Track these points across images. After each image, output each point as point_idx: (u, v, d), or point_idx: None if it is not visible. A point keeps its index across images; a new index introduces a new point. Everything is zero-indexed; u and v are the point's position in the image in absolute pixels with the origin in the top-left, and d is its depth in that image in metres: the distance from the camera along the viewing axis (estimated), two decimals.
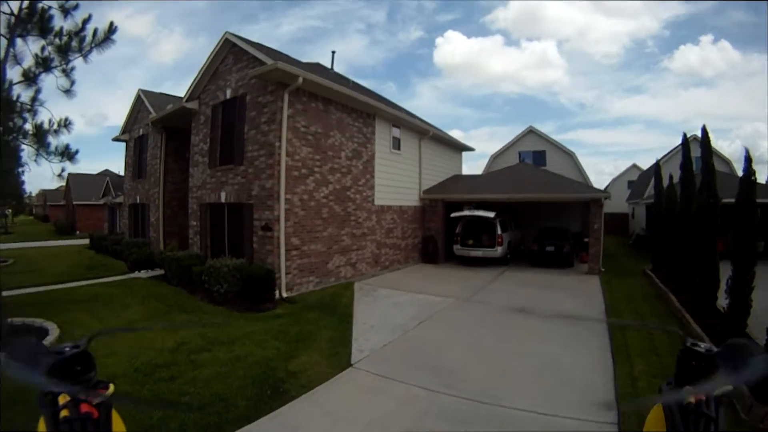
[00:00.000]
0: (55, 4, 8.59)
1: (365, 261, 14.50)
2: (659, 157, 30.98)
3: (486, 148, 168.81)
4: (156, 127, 16.93)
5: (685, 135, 13.72)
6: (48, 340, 7.55)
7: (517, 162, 25.59)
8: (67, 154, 10.49)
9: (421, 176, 18.34)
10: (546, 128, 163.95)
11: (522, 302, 11.38)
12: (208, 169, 13.51)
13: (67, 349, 1.80)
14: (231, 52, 12.88)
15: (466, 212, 16.88)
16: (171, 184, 17.12)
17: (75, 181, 41.07)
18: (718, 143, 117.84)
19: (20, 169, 10.46)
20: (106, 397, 1.72)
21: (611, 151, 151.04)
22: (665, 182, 15.63)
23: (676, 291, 11.01)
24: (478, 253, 16.80)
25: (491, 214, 16.44)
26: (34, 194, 75.71)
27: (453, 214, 17.32)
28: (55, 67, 8.78)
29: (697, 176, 11.66)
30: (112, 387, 1.79)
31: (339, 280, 13.18)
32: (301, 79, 10.97)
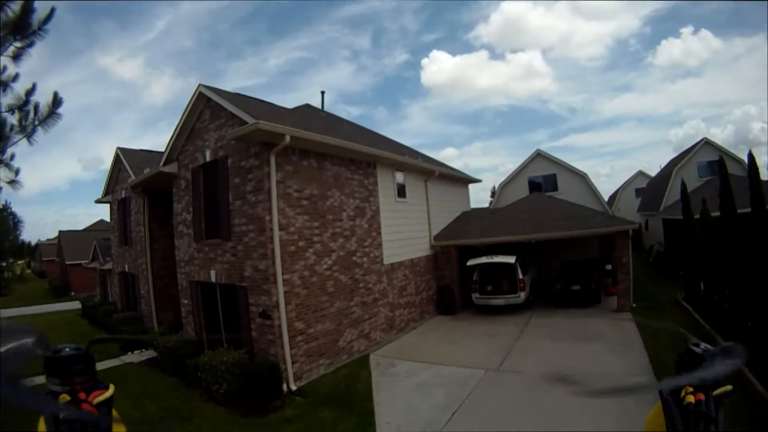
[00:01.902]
0: None
1: (379, 328, 12.90)
2: (672, 165, 29.99)
3: (480, 163, 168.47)
4: (136, 191, 15.43)
5: (722, 158, 12.44)
6: None
7: (526, 189, 24.24)
8: (27, 249, 9.22)
9: (430, 221, 16.79)
10: (539, 137, 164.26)
11: (559, 365, 9.95)
12: (194, 242, 12.00)
13: (68, 349, 1.72)
14: (207, 107, 11.43)
15: (484, 259, 15.41)
16: (159, 252, 15.55)
17: (66, 238, 39.79)
18: (710, 131, 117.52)
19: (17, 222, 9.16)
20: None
21: (606, 152, 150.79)
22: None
23: (726, 336, 9.59)
24: (499, 301, 15.27)
25: (511, 260, 14.96)
26: (33, 243, 74.13)
27: (469, 262, 15.79)
28: None
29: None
30: (112, 387, 1.73)
31: (352, 356, 11.58)
32: (288, 138, 9.43)
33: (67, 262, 37.38)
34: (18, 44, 7.11)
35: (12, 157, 7.60)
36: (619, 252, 14.67)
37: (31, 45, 7.21)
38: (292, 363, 9.76)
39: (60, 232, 42.33)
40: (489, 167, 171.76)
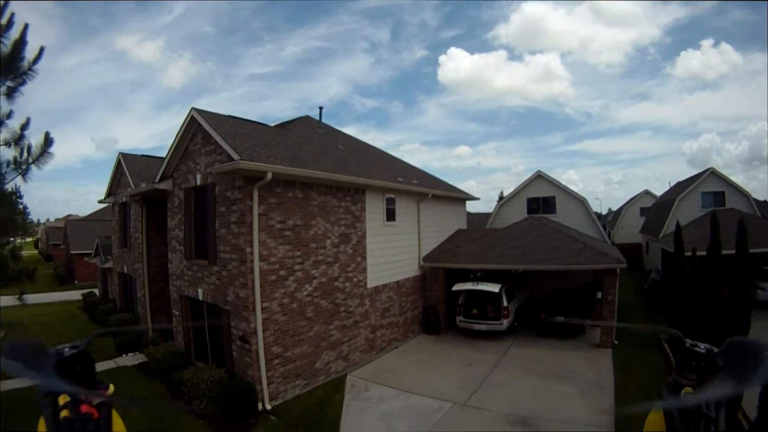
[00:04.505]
0: None
1: (359, 349, 13.25)
2: (676, 190, 30.00)
3: (493, 163, 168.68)
4: (135, 199, 15.89)
5: (714, 214, 13.04)
6: None
7: (525, 208, 24.29)
8: (26, 273, 9.66)
9: (420, 242, 17.03)
10: (553, 140, 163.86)
11: (525, 406, 10.09)
12: (185, 260, 12.43)
13: (67, 349, 1.75)
14: (199, 131, 11.79)
15: (470, 285, 15.63)
16: (155, 259, 16.01)
17: (72, 226, 40.41)
18: (725, 145, 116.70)
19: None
20: (106, 397, 1.70)
21: (620, 160, 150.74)
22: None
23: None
24: (482, 326, 15.47)
25: (496, 288, 15.14)
26: (42, 222, 75.30)
27: (455, 287, 16.05)
28: None
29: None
30: (112, 387, 1.78)
31: (329, 377, 11.97)
32: (270, 175, 9.80)
33: (72, 252, 37.98)
34: (10, 83, 7.52)
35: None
36: (606, 289, 14.71)
37: (22, 84, 7.61)
38: (268, 384, 10.21)
39: (67, 220, 43.08)
40: (501, 167, 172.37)
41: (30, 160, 7.76)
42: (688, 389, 1.78)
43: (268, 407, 10.08)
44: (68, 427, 1.55)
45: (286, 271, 10.78)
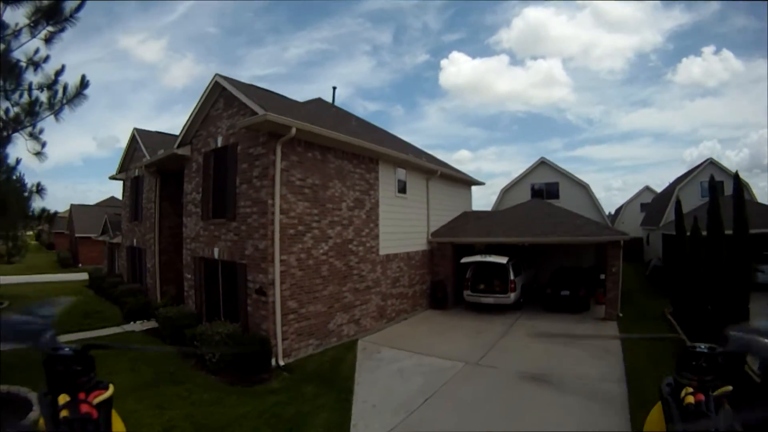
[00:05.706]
0: (23, 57, 7.93)
1: (370, 315, 13.52)
2: (676, 182, 30.35)
3: (494, 168, 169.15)
4: (150, 170, 16.18)
5: (712, 178, 12.97)
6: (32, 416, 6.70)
7: (528, 195, 24.70)
8: (46, 216, 9.89)
9: (429, 218, 17.36)
10: (554, 145, 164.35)
11: (536, 365, 10.29)
12: (201, 221, 12.70)
13: (67, 349, 1.75)
14: (222, 96, 12.08)
15: (478, 257, 15.94)
16: (167, 229, 16.28)
17: (77, 212, 40.63)
18: (725, 153, 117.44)
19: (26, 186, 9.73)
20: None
21: (620, 167, 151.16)
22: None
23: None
24: (489, 300, 15.77)
25: (503, 260, 15.47)
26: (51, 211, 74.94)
27: (463, 260, 16.38)
28: (24, 128, 8.09)
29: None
30: (111, 387, 1.77)
31: (341, 340, 12.21)
32: (294, 130, 10.09)
33: (77, 235, 38.23)
34: (51, 29, 7.77)
35: (41, 131, 8.30)
36: (610, 261, 14.93)
37: (62, 30, 7.86)
38: (282, 340, 10.42)
39: (72, 205, 43.24)
40: (502, 172, 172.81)
41: (64, 101, 7.99)
42: (689, 389, 1.79)
43: (281, 363, 10.22)
44: (68, 427, 1.57)
45: (304, 227, 11.06)
